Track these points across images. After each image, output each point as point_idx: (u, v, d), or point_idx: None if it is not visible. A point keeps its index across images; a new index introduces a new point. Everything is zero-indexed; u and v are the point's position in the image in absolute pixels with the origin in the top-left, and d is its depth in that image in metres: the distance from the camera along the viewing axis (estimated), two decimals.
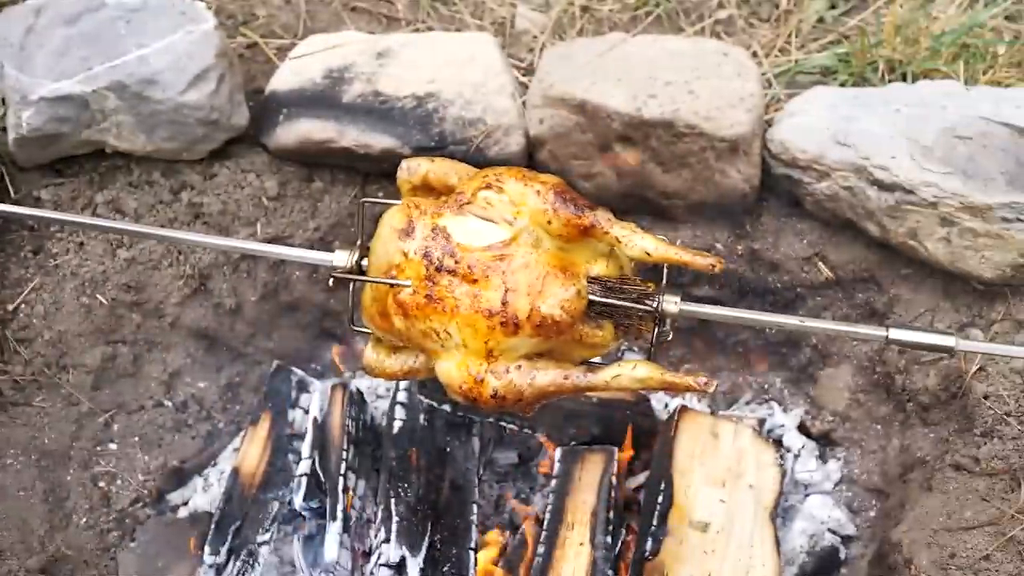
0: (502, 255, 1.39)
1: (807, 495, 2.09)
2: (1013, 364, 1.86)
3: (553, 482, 1.98)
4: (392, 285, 1.43)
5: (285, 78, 2.24)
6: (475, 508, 1.99)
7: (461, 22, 2.49)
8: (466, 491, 2.02)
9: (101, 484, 2.09)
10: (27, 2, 2.18)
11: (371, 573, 1.87)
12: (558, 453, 2.03)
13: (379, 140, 2.13)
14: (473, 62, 2.20)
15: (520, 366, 1.41)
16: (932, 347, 1.41)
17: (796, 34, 2.39)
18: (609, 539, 1.87)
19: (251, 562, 1.94)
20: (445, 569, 1.89)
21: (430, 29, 2.47)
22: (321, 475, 1.98)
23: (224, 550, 1.93)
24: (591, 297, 1.41)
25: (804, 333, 2.20)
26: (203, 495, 2.14)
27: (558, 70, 2.12)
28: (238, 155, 2.24)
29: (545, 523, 1.90)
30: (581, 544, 1.86)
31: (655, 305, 1.41)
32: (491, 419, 2.11)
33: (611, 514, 1.90)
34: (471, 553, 1.92)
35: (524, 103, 2.18)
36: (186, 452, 2.20)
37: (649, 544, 1.84)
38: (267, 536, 1.98)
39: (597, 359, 1.51)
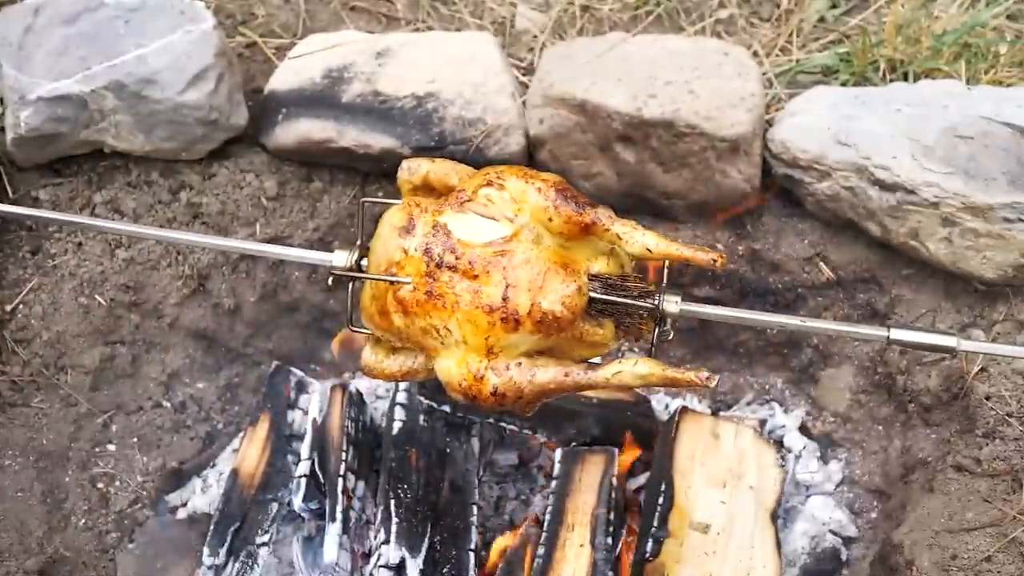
0: (503, 251, 1.38)
1: (808, 496, 2.08)
2: (1015, 365, 1.86)
3: (553, 483, 1.97)
4: (392, 282, 1.42)
5: (284, 78, 2.23)
6: (475, 509, 1.98)
7: (461, 22, 2.49)
8: (466, 492, 2.01)
9: (100, 485, 2.09)
10: (26, 1, 2.17)
11: (371, 574, 1.86)
12: (558, 454, 2.02)
13: (379, 140, 2.12)
14: (473, 62, 2.20)
15: (520, 363, 1.40)
16: (933, 348, 1.41)
17: (797, 33, 2.38)
18: (609, 540, 1.86)
19: (250, 563, 1.93)
20: (445, 570, 1.88)
21: (430, 29, 2.47)
22: (320, 476, 1.97)
23: (223, 551, 1.93)
24: (592, 294, 1.40)
25: (805, 333, 2.19)
26: (202, 496, 2.14)
27: (558, 70, 2.12)
28: (237, 155, 2.23)
29: (545, 524, 1.90)
30: (581, 545, 1.85)
31: (656, 303, 1.40)
32: (491, 420, 2.10)
33: (611, 515, 1.90)
34: (471, 554, 1.91)
35: (524, 103, 2.18)
36: (185, 453, 2.19)
37: (650, 545, 1.83)
38: (266, 537, 1.97)
39: (597, 359, 1.50)
